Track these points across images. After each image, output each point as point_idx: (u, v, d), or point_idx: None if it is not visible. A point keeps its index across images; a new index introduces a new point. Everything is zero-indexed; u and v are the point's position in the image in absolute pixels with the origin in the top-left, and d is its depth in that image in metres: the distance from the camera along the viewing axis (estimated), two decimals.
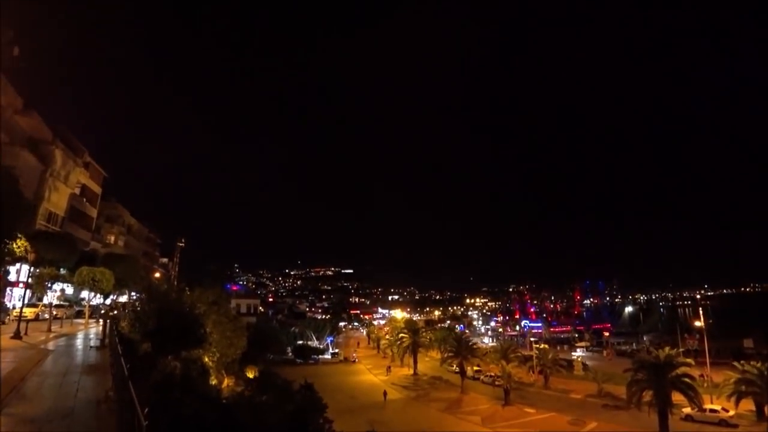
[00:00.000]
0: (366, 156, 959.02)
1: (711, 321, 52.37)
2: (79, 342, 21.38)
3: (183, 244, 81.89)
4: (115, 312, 32.10)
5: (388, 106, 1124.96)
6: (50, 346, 18.63)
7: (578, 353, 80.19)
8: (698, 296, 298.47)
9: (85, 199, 53.30)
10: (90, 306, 35.20)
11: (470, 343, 58.07)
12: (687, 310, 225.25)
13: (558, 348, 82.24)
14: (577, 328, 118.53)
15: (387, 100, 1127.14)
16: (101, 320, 21.09)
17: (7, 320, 26.72)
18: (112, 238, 63.27)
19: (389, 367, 65.44)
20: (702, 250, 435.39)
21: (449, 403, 47.53)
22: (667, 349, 40.11)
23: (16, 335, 18.81)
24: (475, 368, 59.55)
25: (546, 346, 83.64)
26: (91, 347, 18.95)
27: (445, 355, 60.55)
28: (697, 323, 50.69)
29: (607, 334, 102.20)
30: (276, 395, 27.57)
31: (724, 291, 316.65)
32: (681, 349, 47.68)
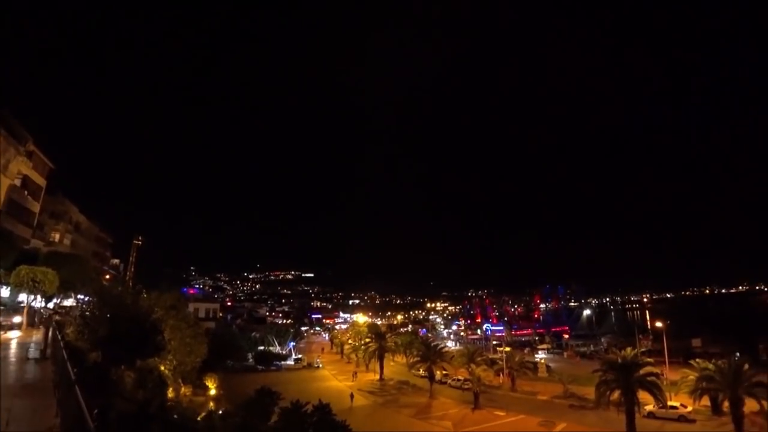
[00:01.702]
0: (326, 159, 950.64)
1: (668, 322, 54.48)
2: (14, 352, 18.43)
3: (140, 242, 76.51)
4: (58, 317, 28.91)
5: (354, 111, 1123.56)
6: None
7: (541, 355, 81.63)
8: (645, 300, 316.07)
9: (26, 192, 48.58)
10: (29, 310, 31.58)
11: (438, 348, 57.44)
12: (635, 313, 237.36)
13: (521, 351, 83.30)
14: (538, 331, 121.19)
15: (353, 107, 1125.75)
16: (42, 326, 18.30)
17: None
18: (57, 236, 58.33)
19: (355, 373, 63.83)
20: (645, 259, 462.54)
21: (418, 408, 46.58)
22: (629, 349, 41.30)
23: None
24: (443, 372, 59.00)
25: (509, 349, 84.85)
26: (28, 359, 16.22)
27: (413, 360, 59.65)
28: (658, 324, 52.49)
29: (566, 336, 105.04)
30: (286, 420, 23.74)
31: (667, 295, 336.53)
32: (642, 350, 49.44)
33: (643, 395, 35.12)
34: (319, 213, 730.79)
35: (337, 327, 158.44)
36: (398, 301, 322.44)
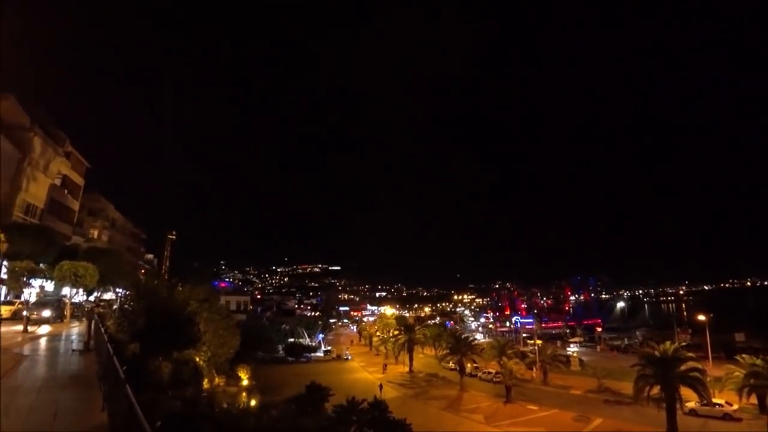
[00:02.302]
0: (353, 154, 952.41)
1: (711, 315, 52.09)
2: (59, 344, 19.08)
3: (174, 237, 78.23)
4: (100, 310, 29.91)
5: (376, 106, 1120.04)
6: (25, 350, 16.33)
7: (573, 349, 79.79)
8: (681, 292, 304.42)
9: (66, 191, 50.55)
10: (72, 304, 32.81)
11: (469, 340, 56.87)
12: (670, 305, 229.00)
13: (553, 344, 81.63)
14: (569, 323, 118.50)
15: (374, 101, 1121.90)
16: (85, 319, 18.84)
17: None
18: (95, 233, 60.50)
19: (386, 365, 63.87)
20: (679, 250, 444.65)
21: (449, 401, 46.29)
22: (668, 343, 39.65)
23: None
24: (473, 365, 58.45)
25: (540, 342, 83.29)
26: (72, 351, 16.61)
27: (443, 352, 59.30)
28: (701, 317, 50.29)
29: (599, 329, 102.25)
30: (339, 417, 23.12)
31: (704, 287, 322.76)
32: (681, 344, 47.45)
33: (685, 391, 33.81)
34: (345, 207, 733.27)
35: (364, 319, 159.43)
36: (425, 294, 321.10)
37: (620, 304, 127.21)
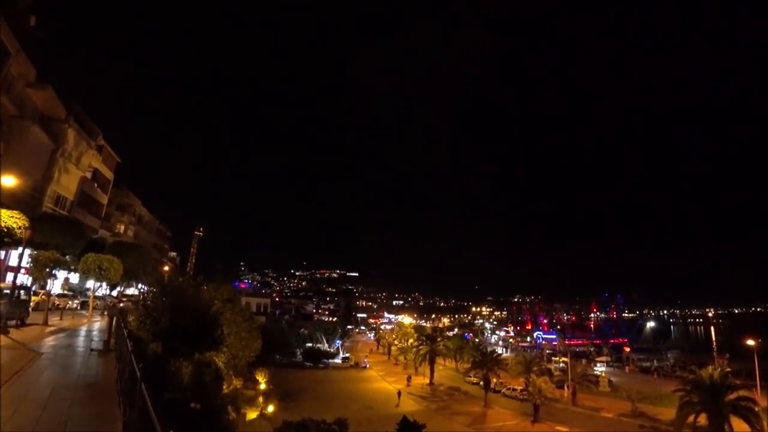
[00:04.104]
0: (374, 164, 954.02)
1: (760, 340, 48.46)
2: (78, 341, 18.04)
3: (201, 233, 77.78)
4: (121, 305, 29.29)
5: (399, 115, 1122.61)
6: (42, 346, 15.31)
7: (600, 368, 76.32)
8: (710, 314, 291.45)
9: (96, 185, 50.81)
10: (95, 297, 32.36)
11: (495, 355, 54.65)
12: (698, 328, 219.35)
13: (578, 362, 78.36)
14: (594, 341, 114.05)
15: (397, 109, 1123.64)
16: (106, 314, 17.82)
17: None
18: (122, 228, 60.79)
19: (410, 377, 61.59)
20: (707, 270, 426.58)
21: (473, 417, 44.22)
22: (711, 368, 36.90)
23: (2, 329, 15.51)
24: (497, 381, 56.17)
25: (566, 359, 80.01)
26: (92, 351, 15.42)
27: (467, 366, 57.18)
28: (750, 342, 46.88)
29: (627, 349, 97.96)
30: None
31: (734, 310, 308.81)
32: (725, 370, 44.25)
33: (735, 422, 31.14)
34: (364, 214, 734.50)
35: (382, 327, 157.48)
36: (442, 304, 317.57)
37: (650, 324, 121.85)
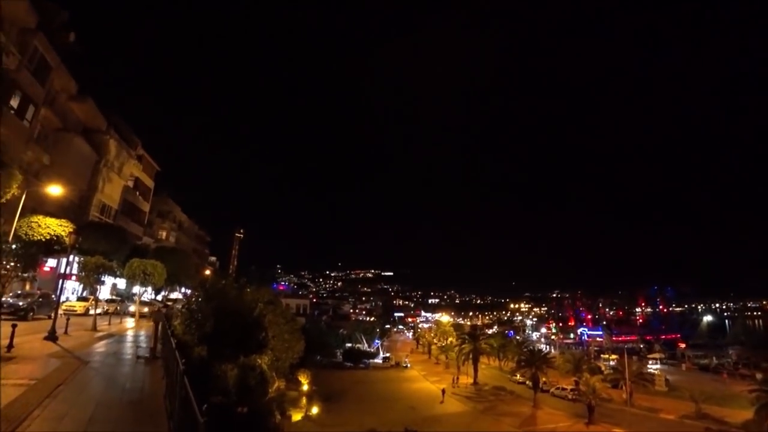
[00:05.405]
0: (406, 162, 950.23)
1: None
2: (125, 347, 17.89)
3: (242, 235, 78.60)
4: (165, 309, 29.54)
5: (429, 111, 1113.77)
6: (88, 354, 15.06)
7: (653, 366, 72.27)
8: None
9: (138, 193, 52.15)
10: (141, 301, 32.93)
11: (543, 353, 52.46)
12: (757, 321, 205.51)
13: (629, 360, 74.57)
14: (645, 338, 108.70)
15: (427, 107, 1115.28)
16: (152, 320, 17.53)
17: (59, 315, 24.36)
18: (164, 234, 62.36)
19: (457, 378, 59.89)
20: (763, 259, 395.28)
21: (522, 418, 42.36)
22: None
23: (51, 336, 15.48)
24: (545, 379, 53.94)
25: (615, 356, 76.36)
26: (138, 359, 14.99)
27: (512, 364, 55.17)
28: None
29: (683, 345, 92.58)
30: None
31: None
32: None
33: None
34: (398, 213, 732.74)
35: (420, 326, 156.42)
36: (479, 301, 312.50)
37: (707, 318, 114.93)
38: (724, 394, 47.84)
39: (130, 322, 29.83)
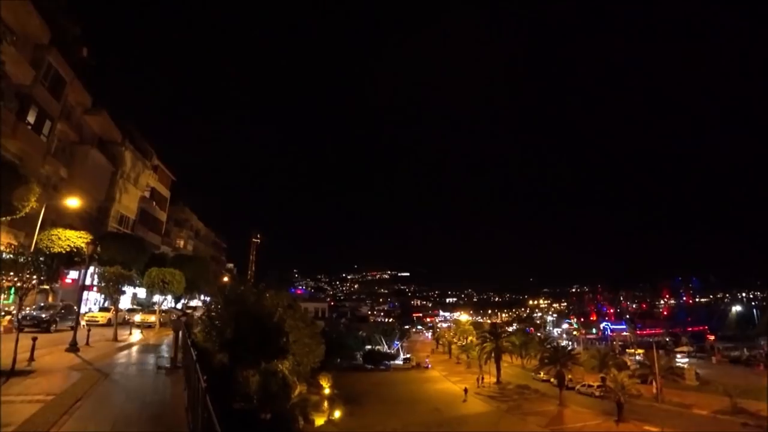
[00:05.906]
0: (412, 162, 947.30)
1: None
2: (146, 357, 17.77)
3: (259, 240, 78.64)
4: (185, 318, 29.61)
5: (436, 104, 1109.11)
6: (109, 365, 14.91)
7: (681, 360, 70.26)
8: None
9: (154, 203, 52.68)
10: (161, 310, 33.09)
11: (568, 350, 51.36)
12: None
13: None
14: (672, 331, 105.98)
15: (444, 105, 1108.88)
16: (172, 329, 17.37)
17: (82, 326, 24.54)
18: (181, 242, 62.91)
19: (481, 378, 58.94)
20: None
21: (549, 417, 41.42)
22: None
23: (72, 347, 15.48)
24: (570, 376, 52.80)
25: (641, 351, 74.44)
26: (159, 369, 14.72)
27: (535, 362, 54.13)
28: None
29: (711, 337, 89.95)
30: None
31: None
32: None
33: None
34: (413, 213, 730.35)
35: (439, 326, 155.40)
36: (497, 299, 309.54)
37: (736, 308, 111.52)
38: (761, 387, 46.10)
39: (150, 331, 29.91)
